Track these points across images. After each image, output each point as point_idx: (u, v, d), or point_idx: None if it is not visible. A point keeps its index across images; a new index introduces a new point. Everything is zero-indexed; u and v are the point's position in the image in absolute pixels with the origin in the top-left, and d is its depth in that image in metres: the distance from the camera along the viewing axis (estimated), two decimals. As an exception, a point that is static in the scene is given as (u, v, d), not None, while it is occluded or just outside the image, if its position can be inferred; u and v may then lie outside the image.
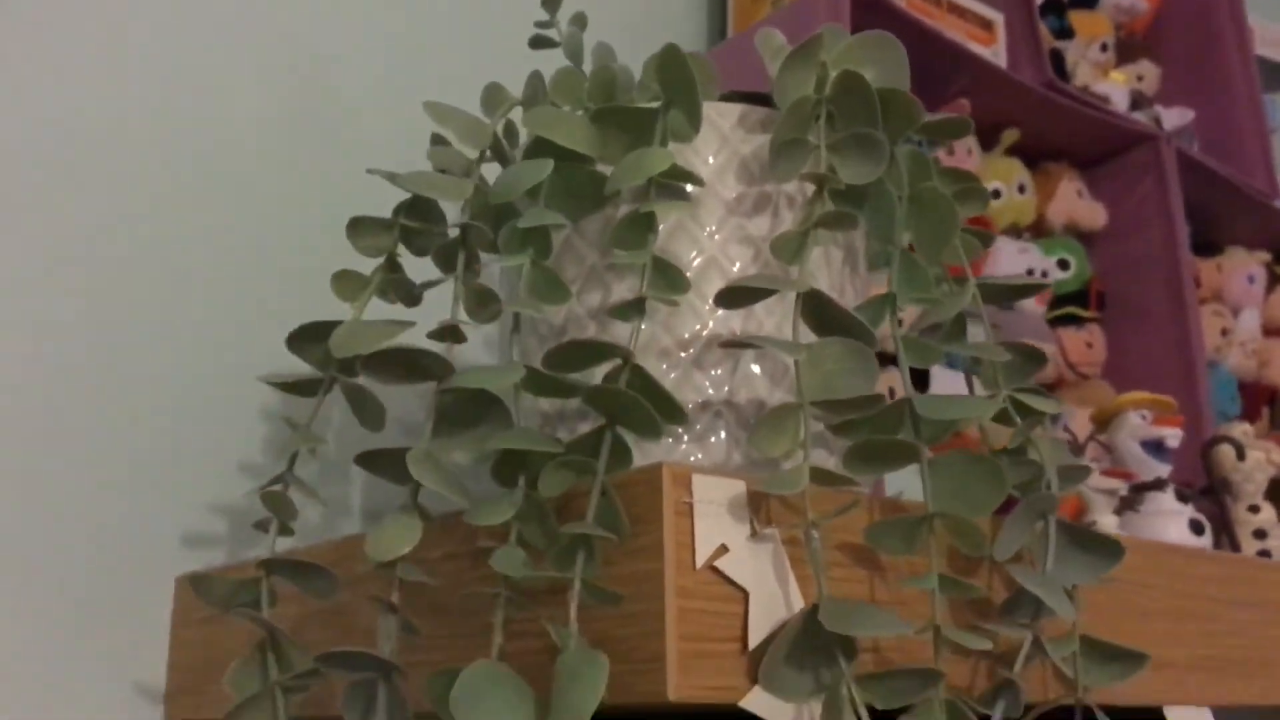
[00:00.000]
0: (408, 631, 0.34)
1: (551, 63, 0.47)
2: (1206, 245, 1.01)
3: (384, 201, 0.43)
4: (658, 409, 0.30)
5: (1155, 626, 0.44)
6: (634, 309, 0.33)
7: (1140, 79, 1.02)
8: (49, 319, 0.53)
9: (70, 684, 0.50)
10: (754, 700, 0.31)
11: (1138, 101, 0.98)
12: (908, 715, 0.33)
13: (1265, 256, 1.04)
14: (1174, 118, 1.00)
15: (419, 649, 0.36)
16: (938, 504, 0.33)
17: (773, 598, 0.32)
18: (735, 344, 0.35)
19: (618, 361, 0.32)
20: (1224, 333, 0.97)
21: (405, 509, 0.33)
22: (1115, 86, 0.96)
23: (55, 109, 0.55)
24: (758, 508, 0.33)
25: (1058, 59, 0.92)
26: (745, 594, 0.32)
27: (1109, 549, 0.37)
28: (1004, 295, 0.40)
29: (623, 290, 0.37)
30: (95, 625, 0.51)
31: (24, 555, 0.50)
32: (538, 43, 0.52)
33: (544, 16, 0.52)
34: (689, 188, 0.37)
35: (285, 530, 0.39)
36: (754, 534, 0.32)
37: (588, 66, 0.49)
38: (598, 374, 0.34)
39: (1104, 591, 0.41)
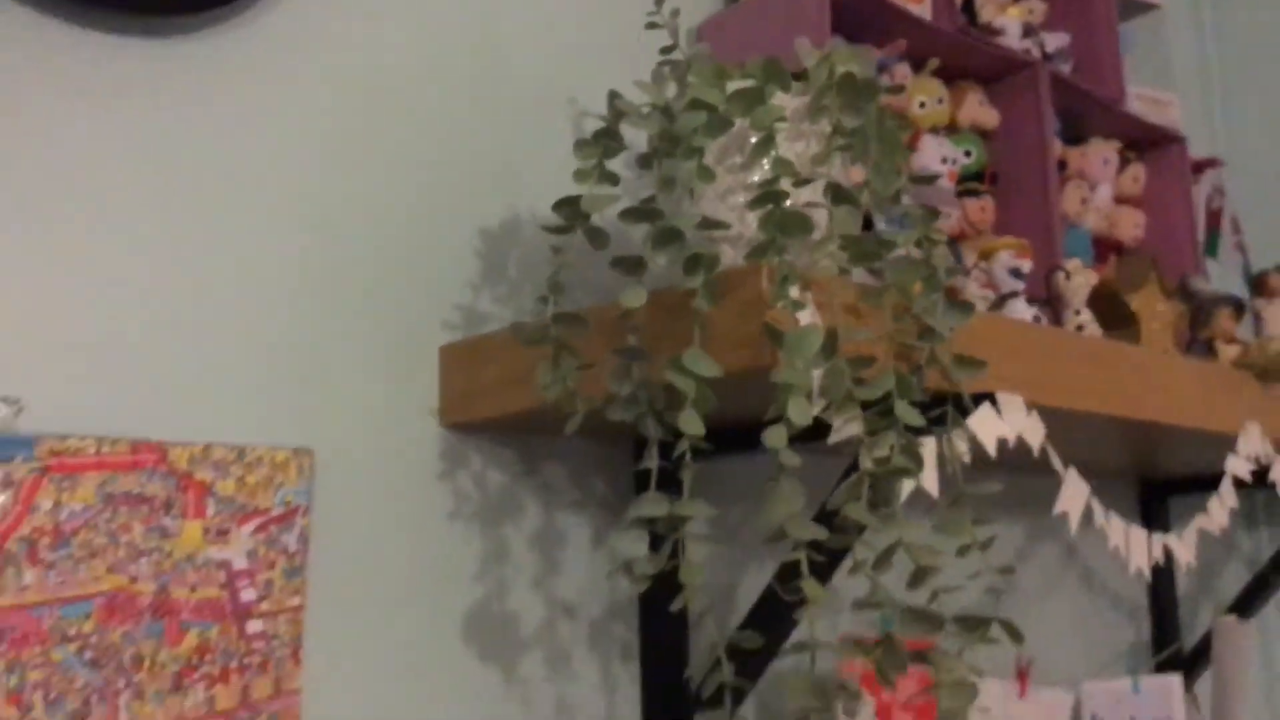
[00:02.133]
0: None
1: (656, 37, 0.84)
2: (1075, 137, 1.39)
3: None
4: (802, 224, 0.67)
5: (999, 359, 0.83)
6: (770, 184, 0.70)
7: (1031, 12, 1.38)
8: (351, 156, 0.89)
9: (365, 407, 0.88)
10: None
11: (1028, 30, 1.34)
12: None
13: (1117, 145, 1.42)
14: (1055, 41, 1.37)
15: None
16: (890, 279, 0.72)
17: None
18: (810, 205, 0.72)
19: (770, 206, 0.68)
20: (1083, 201, 1.35)
21: (634, 284, 0.71)
22: (1011, 20, 1.32)
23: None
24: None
25: (969, 2, 1.29)
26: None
27: (968, 307, 0.75)
28: (922, 180, 0.78)
29: (743, 176, 0.75)
30: (389, 372, 0.88)
31: (338, 323, 0.87)
32: (650, 25, 0.88)
33: (653, 9, 0.88)
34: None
35: (557, 303, 0.76)
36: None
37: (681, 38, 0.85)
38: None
39: (971, 336, 0.80)
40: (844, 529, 0.69)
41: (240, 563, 0.78)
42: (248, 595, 0.78)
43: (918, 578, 0.70)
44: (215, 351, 0.80)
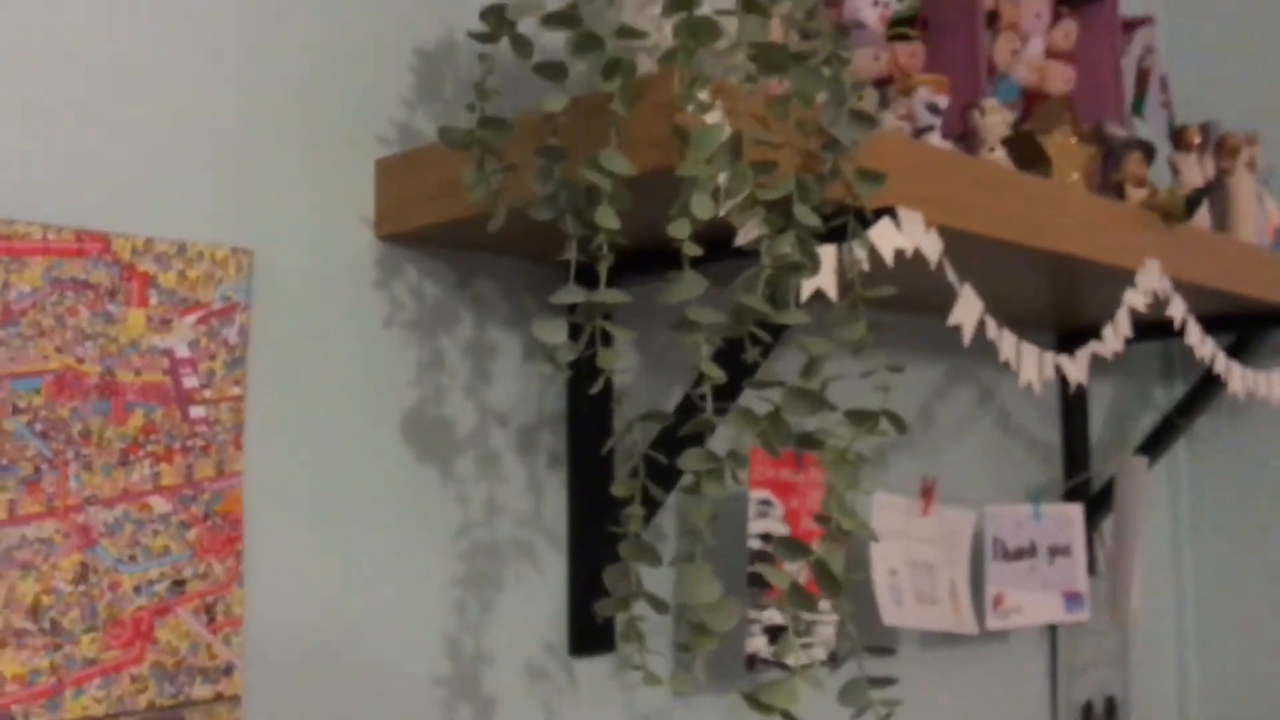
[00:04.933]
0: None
1: None
2: (1009, -11, 1.43)
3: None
4: (711, 30, 0.72)
5: (905, 180, 0.88)
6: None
7: None
8: None
9: (304, 214, 0.92)
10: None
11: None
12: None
13: (1049, -1, 1.45)
14: (992, -106, 1.39)
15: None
16: (796, 90, 0.76)
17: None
18: (722, 13, 0.76)
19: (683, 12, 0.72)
20: (1014, 53, 1.39)
21: (556, 89, 0.75)
22: None
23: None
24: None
25: None
26: (708, 126, 0.74)
27: (871, 120, 0.80)
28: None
29: None
30: (327, 182, 0.92)
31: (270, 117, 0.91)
32: None
33: None
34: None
35: (484, 110, 0.80)
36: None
37: None
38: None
39: (880, 157, 0.84)
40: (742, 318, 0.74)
41: (183, 351, 0.82)
42: (190, 382, 0.83)
43: (809, 368, 0.76)
44: (159, 149, 0.84)
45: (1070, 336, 1.65)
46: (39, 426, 0.76)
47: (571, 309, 0.77)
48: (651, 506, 0.79)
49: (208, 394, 0.83)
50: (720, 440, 0.77)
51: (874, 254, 0.84)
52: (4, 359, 0.75)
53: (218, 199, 0.86)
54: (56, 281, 0.77)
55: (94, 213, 0.80)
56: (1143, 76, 1.58)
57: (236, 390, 0.85)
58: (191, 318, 0.83)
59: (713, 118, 0.74)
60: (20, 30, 0.78)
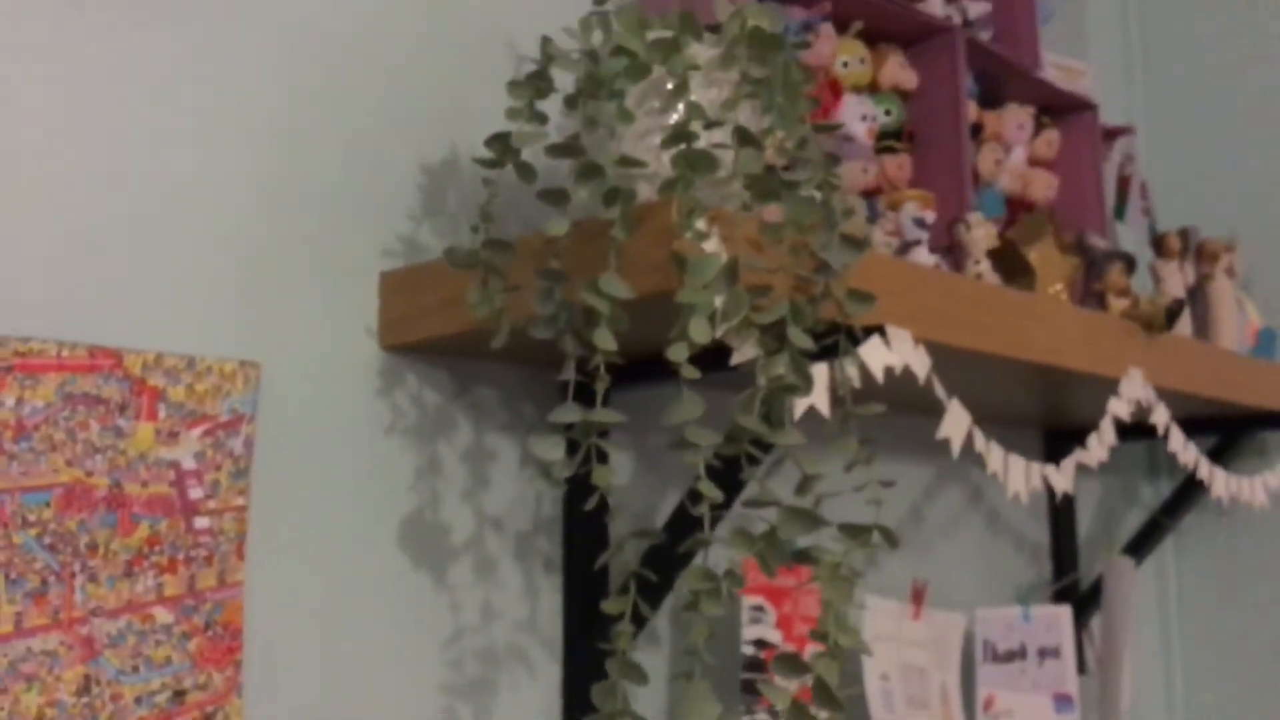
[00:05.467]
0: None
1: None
2: (993, 100, 1.47)
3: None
4: (709, 163, 0.75)
5: (893, 298, 0.91)
6: (683, 126, 0.77)
7: (954, -19, 1.46)
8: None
9: (310, 326, 0.94)
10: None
11: (950, -1, 1.42)
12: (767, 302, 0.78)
13: (1032, 110, 1.50)
14: (976, 9, 1.45)
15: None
16: (789, 217, 0.79)
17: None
18: (719, 146, 0.79)
19: (681, 145, 0.76)
20: (997, 163, 1.43)
21: (558, 214, 0.77)
22: (934, -13, 1.40)
23: None
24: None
25: (895, -31, 1.36)
26: (705, 251, 0.77)
27: (861, 245, 0.83)
28: (824, 129, 0.85)
29: (660, 119, 0.81)
30: (333, 295, 0.95)
31: (280, 268, 0.93)
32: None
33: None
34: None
35: (488, 232, 0.83)
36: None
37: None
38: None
39: (868, 277, 0.87)
40: (738, 438, 0.76)
41: (189, 463, 0.84)
42: (195, 493, 0.84)
43: (803, 485, 0.78)
44: (170, 267, 0.86)
45: (1058, 435, 1.68)
46: (47, 539, 0.77)
47: (568, 426, 0.79)
48: (641, 623, 0.80)
49: (212, 504, 0.85)
50: (713, 552, 0.78)
51: (864, 369, 0.86)
52: (16, 473, 0.76)
53: (227, 313, 0.89)
54: (69, 396, 0.79)
55: (106, 329, 0.82)
56: (1124, 184, 1.63)
57: (240, 500, 0.87)
58: (198, 430, 0.85)
59: (710, 244, 0.76)
60: (33, 153, 0.81)
